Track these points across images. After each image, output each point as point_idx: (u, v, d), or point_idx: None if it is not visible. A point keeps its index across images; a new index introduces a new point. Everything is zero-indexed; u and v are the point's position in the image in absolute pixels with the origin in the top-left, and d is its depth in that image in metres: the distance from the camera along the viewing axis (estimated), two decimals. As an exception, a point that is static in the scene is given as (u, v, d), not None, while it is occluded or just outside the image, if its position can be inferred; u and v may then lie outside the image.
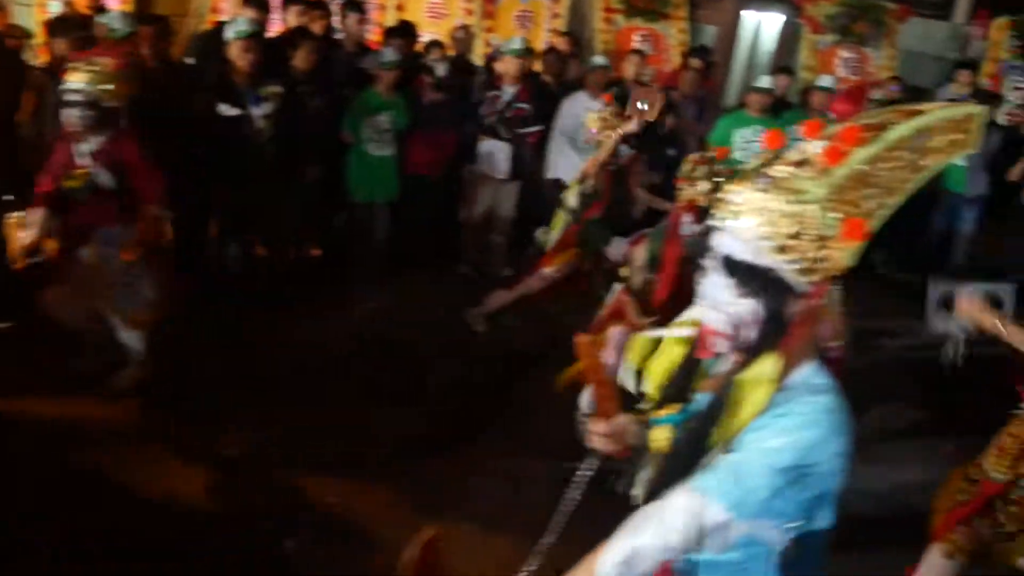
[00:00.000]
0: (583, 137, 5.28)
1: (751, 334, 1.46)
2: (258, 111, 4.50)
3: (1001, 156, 7.02)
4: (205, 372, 3.99)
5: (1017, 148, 7.00)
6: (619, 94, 5.98)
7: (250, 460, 3.47)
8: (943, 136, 1.51)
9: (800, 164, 1.46)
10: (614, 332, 3.49)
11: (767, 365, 1.44)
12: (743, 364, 1.48)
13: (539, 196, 5.74)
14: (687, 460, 1.52)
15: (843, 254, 1.43)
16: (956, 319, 2.65)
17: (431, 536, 1.77)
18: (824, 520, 1.52)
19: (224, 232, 5.00)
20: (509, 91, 5.43)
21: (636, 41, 8.39)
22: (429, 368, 4.44)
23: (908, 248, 7.40)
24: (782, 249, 1.41)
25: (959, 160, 6.49)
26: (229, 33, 4.50)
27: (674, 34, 8.64)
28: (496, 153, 5.57)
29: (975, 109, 1.57)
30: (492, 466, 3.62)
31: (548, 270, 4.84)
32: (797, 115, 6.20)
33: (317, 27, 5.22)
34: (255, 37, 4.50)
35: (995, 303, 2.62)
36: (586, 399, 2.89)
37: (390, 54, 5.02)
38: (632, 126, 4.51)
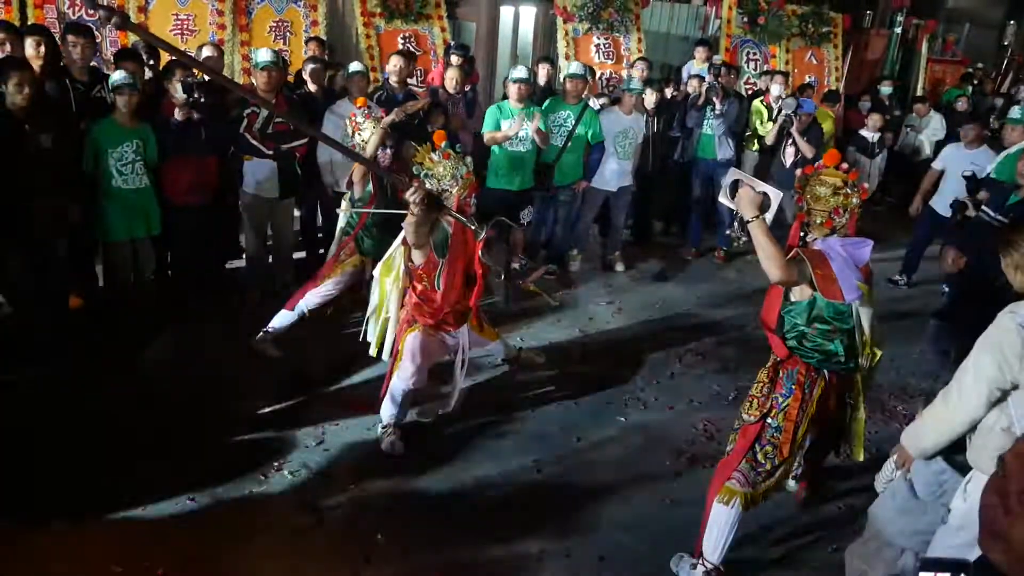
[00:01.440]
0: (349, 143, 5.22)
1: None
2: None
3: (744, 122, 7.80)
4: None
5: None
6: (384, 97, 6.02)
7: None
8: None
9: None
10: None
11: None
12: None
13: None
14: None
15: None
16: (735, 202, 3.07)
17: None
18: None
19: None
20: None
21: (400, 43, 8.42)
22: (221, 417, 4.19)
23: (676, 212, 8.11)
24: None
25: (707, 130, 7.24)
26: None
27: (437, 33, 8.73)
28: (262, 172, 5.35)
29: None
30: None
31: (328, 282, 4.77)
32: (555, 102, 6.50)
33: (35, 54, 4.72)
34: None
35: (764, 204, 3.00)
36: None
37: (121, 77, 4.63)
38: (380, 129, 4.53)
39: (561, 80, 7.00)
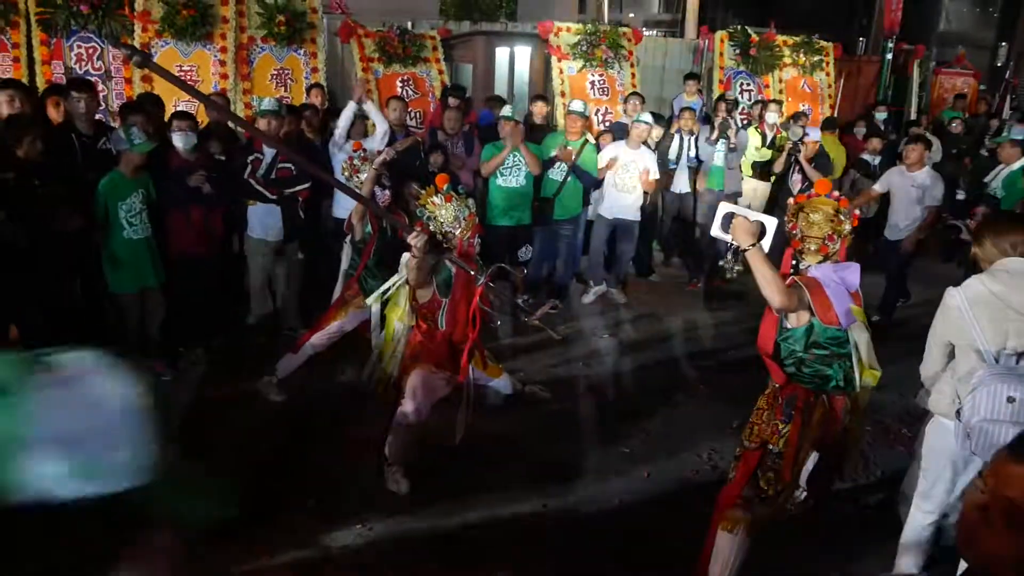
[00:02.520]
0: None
1: None
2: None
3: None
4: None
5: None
6: (390, 139, 6.15)
7: None
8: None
9: None
10: None
11: None
12: None
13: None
14: None
15: None
16: (729, 234, 3.08)
17: None
18: None
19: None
20: (269, 152, 5.34)
21: (398, 87, 8.60)
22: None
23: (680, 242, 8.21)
24: None
25: (718, 162, 7.34)
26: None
27: (434, 76, 8.93)
28: (267, 217, 5.47)
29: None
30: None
31: (334, 324, 4.82)
32: (556, 137, 6.63)
33: (53, 112, 4.87)
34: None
35: (761, 232, 3.02)
36: None
37: (137, 135, 4.74)
38: (373, 169, 4.61)
39: (564, 116, 7.19)
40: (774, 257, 3.03)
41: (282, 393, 4.77)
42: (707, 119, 8.06)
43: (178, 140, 5.03)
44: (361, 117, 6.00)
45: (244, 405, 4.68)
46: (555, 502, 3.90)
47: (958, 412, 2.89)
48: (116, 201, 4.73)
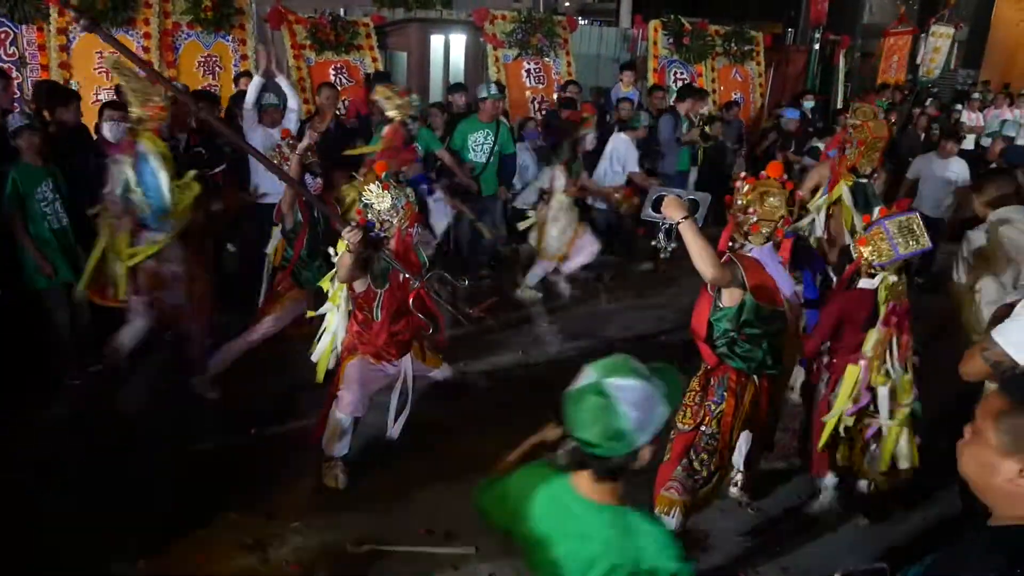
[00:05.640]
0: None
1: None
2: None
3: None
4: None
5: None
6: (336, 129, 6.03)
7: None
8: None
9: None
10: None
11: None
12: None
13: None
14: None
15: None
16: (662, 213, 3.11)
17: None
18: None
19: None
20: (181, 137, 5.22)
21: (331, 75, 8.43)
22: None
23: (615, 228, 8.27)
24: None
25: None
26: None
27: (368, 63, 8.79)
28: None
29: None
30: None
31: (268, 319, 4.70)
32: (472, 123, 6.81)
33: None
34: None
35: (693, 207, 3.08)
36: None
37: (18, 119, 4.51)
38: (297, 155, 4.51)
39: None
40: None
41: (217, 389, 4.64)
42: (641, 108, 8.17)
43: (107, 129, 4.83)
44: (275, 105, 5.79)
45: (177, 402, 4.54)
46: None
47: None
48: (28, 190, 4.50)
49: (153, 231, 4.35)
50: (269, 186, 5.39)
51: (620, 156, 6.99)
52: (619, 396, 1.65)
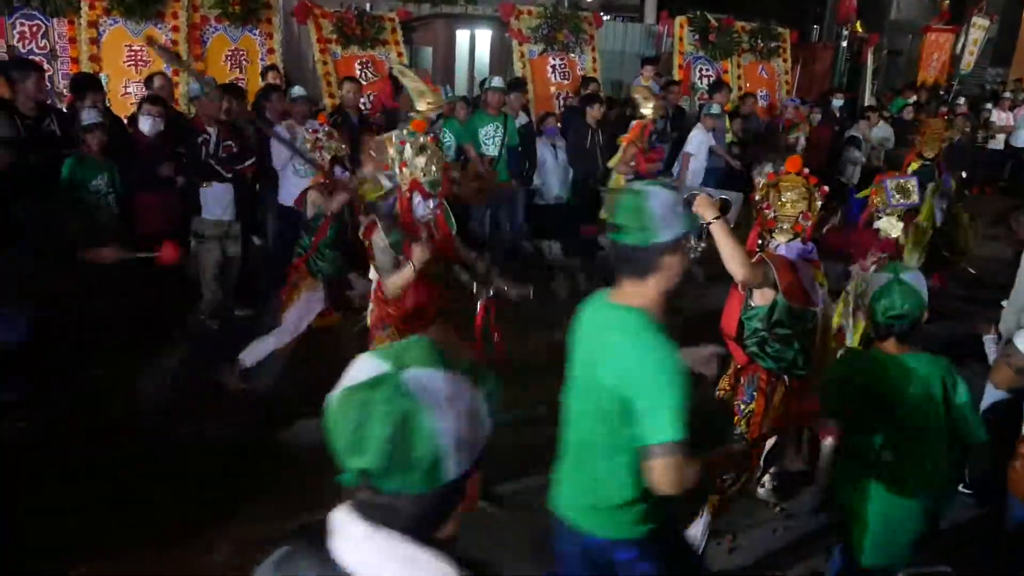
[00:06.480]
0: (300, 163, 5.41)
1: None
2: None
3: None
4: None
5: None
6: (340, 120, 6.05)
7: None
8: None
9: None
10: None
11: None
12: None
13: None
14: None
15: None
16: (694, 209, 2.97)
17: None
18: None
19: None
20: (212, 132, 5.27)
21: (357, 69, 8.45)
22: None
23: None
24: None
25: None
26: None
27: (394, 58, 8.79)
28: (221, 196, 5.38)
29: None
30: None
31: (291, 315, 4.64)
32: (480, 116, 6.98)
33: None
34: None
35: (724, 207, 2.98)
36: None
37: (93, 115, 4.59)
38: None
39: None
40: None
41: (246, 381, 4.65)
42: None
43: (144, 124, 4.90)
44: (305, 97, 5.87)
45: (205, 396, 4.57)
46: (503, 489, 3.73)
47: None
48: (87, 179, 4.57)
49: None
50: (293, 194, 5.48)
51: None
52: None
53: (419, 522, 1.07)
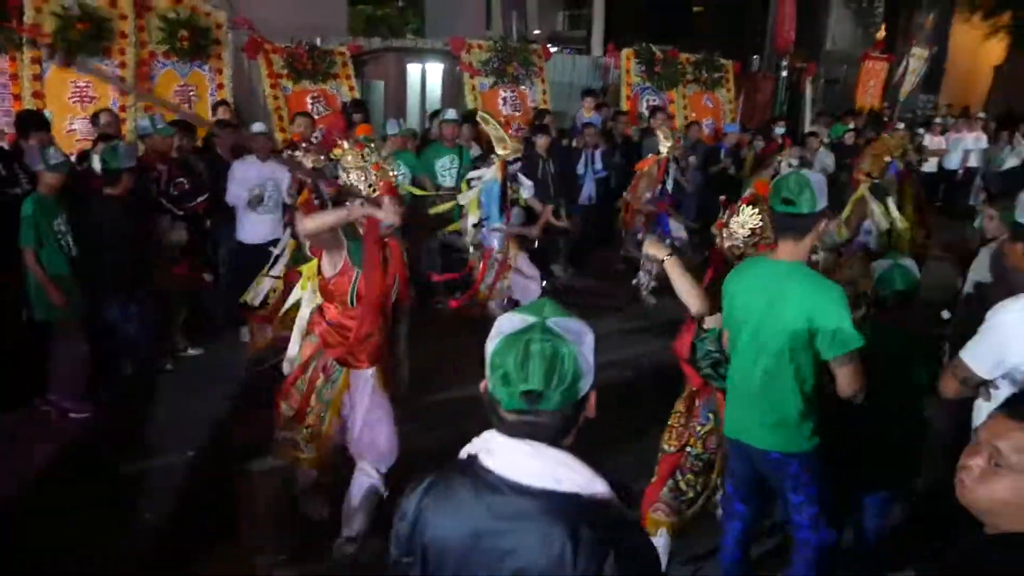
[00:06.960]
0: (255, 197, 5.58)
1: None
2: None
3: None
4: None
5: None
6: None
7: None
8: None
9: None
10: None
11: None
12: None
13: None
14: None
15: None
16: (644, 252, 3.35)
17: None
18: None
19: None
20: (162, 168, 5.29)
21: (308, 103, 8.46)
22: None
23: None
24: None
25: None
26: None
27: (345, 92, 8.84)
28: (178, 232, 5.34)
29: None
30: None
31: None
32: (436, 149, 7.20)
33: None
34: None
35: (675, 246, 3.09)
36: None
37: (55, 155, 4.48)
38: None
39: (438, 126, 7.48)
40: None
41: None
42: (608, 135, 8.44)
43: (99, 163, 4.82)
44: (265, 134, 5.92)
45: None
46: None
47: None
48: (45, 222, 4.46)
49: None
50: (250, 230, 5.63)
51: None
52: None
53: (556, 433, 1.39)
